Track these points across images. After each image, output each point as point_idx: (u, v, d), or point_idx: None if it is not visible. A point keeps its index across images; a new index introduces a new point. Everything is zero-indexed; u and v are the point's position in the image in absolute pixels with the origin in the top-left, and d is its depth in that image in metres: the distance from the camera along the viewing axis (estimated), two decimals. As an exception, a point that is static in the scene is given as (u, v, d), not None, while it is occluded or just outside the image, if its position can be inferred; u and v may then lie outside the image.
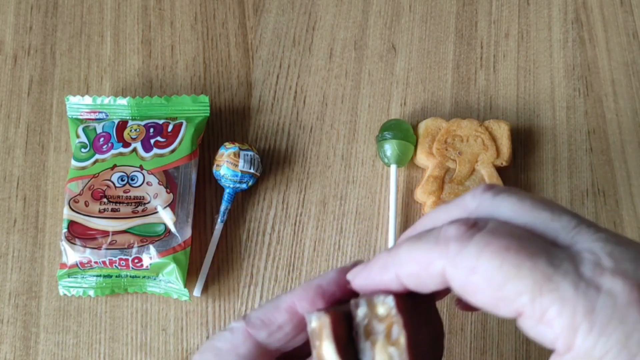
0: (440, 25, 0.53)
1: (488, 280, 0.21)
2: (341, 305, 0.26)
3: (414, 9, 0.53)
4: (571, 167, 0.49)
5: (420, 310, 0.25)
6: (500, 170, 0.47)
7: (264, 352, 0.28)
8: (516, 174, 0.49)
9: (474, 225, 0.22)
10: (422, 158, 0.48)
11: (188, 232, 0.46)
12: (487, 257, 0.21)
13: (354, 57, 0.52)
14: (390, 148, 0.47)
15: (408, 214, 0.48)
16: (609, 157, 0.49)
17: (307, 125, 0.51)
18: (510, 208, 0.23)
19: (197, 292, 0.46)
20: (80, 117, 0.49)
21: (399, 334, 0.23)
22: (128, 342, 0.46)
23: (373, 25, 0.53)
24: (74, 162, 0.47)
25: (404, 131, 0.48)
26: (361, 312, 0.24)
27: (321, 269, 0.47)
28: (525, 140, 0.50)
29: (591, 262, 0.21)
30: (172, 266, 0.44)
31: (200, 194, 0.49)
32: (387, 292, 0.24)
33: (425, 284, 0.24)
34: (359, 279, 0.26)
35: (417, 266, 0.23)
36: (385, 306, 0.24)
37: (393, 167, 0.48)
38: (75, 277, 0.46)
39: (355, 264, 0.27)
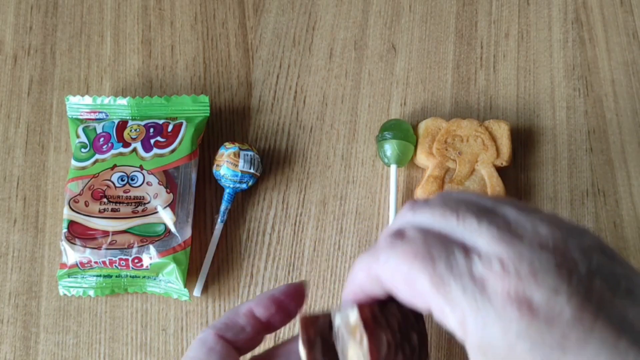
0: (440, 25, 0.53)
1: (403, 282, 0.26)
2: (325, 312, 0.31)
3: (414, 9, 0.53)
4: (571, 167, 0.49)
5: (401, 317, 0.29)
6: (500, 170, 0.47)
7: (234, 352, 0.32)
8: (516, 174, 0.49)
9: (398, 235, 0.26)
10: (422, 158, 0.48)
11: (188, 232, 0.46)
12: (400, 263, 0.25)
13: (354, 57, 0.52)
14: (390, 148, 0.47)
15: (408, 214, 0.48)
16: (609, 157, 0.49)
17: (307, 125, 0.51)
18: (427, 219, 0.27)
19: (197, 292, 0.46)
20: (80, 117, 0.49)
21: (364, 340, 0.28)
22: (128, 342, 0.46)
23: (373, 25, 0.53)
24: (74, 162, 0.47)
25: (404, 131, 0.48)
26: (337, 320, 0.29)
27: (321, 269, 0.47)
28: (525, 140, 0.50)
29: (481, 263, 0.24)
30: (172, 266, 0.44)
31: (200, 194, 0.49)
32: (360, 303, 0.29)
33: (375, 289, 0.28)
34: (345, 292, 0.30)
35: (365, 275, 0.28)
36: (353, 317, 0.28)
37: (393, 167, 0.48)
38: (75, 277, 0.46)
39: (301, 283, 0.34)
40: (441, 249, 0.25)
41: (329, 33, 0.53)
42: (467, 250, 0.25)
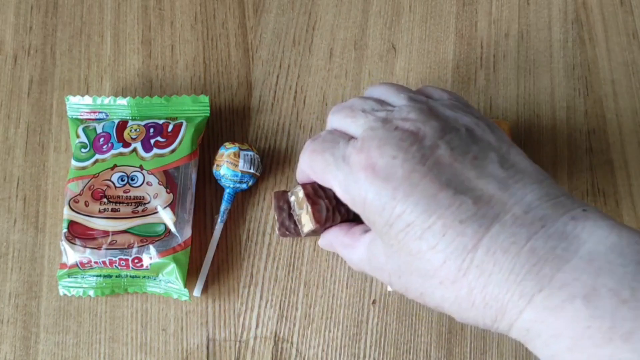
0: (440, 25, 0.53)
1: (310, 170, 0.36)
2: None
3: (414, 9, 0.53)
4: (571, 167, 0.49)
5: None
6: (500, 170, 0.47)
7: None
8: (516, 174, 0.49)
9: (315, 137, 0.36)
10: (422, 158, 0.48)
11: (188, 232, 0.46)
12: (305, 158, 0.36)
13: (354, 57, 0.52)
14: (390, 148, 0.47)
15: (408, 214, 0.48)
16: (609, 157, 0.49)
17: (307, 125, 0.51)
18: (336, 121, 0.36)
19: (197, 292, 0.46)
20: (80, 117, 0.49)
21: (308, 208, 0.40)
22: (128, 342, 0.46)
23: (373, 25, 0.53)
24: (74, 162, 0.47)
25: (403, 131, 0.48)
26: (292, 198, 0.41)
27: (321, 269, 0.47)
28: (525, 140, 0.50)
29: (350, 145, 0.33)
30: (172, 266, 0.44)
31: (200, 194, 0.49)
32: (304, 183, 0.40)
33: (304, 175, 0.38)
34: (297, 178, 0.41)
35: (299, 167, 0.38)
36: (300, 193, 0.40)
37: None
38: (75, 277, 0.46)
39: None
40: (332, 141, 0.35)
41: (329, 33, 0.53)
42: (350, 139, 0.34)
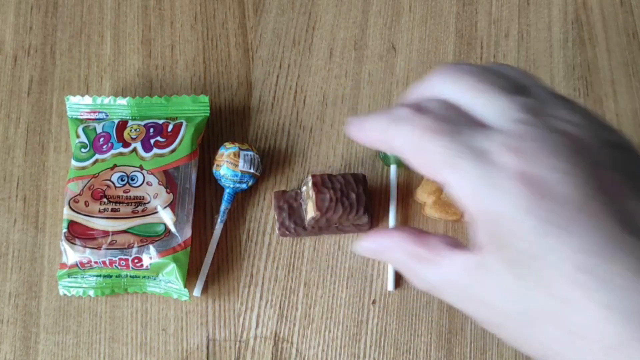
0: (440, 25, 0.53)
1: (415, 152, 0.26)
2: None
3: (414, 9, 0.53)
4: (571, 167, 0.49)
5: (344, 182, 0.45)
6: (500, 170, 0.47)
7: None
8: (516, 174, 0.49)
9: (418, 109, 0.27)
10: (422, 158, 0.48)
11: (188, 232, 0.46)
12: (412, 136, 0.26)
13: (354, 57, 0.52)
14: (390, 148, 0.47)
15: (408, 214, 0.48)
16: (609, 157, 0.49)
17: (307, 125, 0.51)
18: (455, 91, 0.27)
19: (197, 292, 0.46)
20: (80, 117, 0.49)
21: (313, 196, 0.43)
22: (128, 342, 0.46)
23: (373, 25, 0.53)
24: (74, 162, 0.47)
25: (404, 131, 0.48)
26: (303, 188, 0.46)
27: (321, 269, 0.47)
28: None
29: (498, 139, 0.24)
30: (172, 266, 0.44)
31: (200, 194, 0.49)
32: (314, 174, 0.45)
33: (383, 147, 0.29)
34: (352, 132, 0.30)
35: (378, 135, 0.28)
36: (309, 182, 0.44)
37: (393, 167, 0.48)
38: (75, 277, 0.46)
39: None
40: (454, 123, 0.26)
41: (329, 33, 0.53)
42: (484, 125, 0.25)
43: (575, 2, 0.53)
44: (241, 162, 0.46)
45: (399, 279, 0.47)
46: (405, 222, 0.48)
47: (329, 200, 0.44)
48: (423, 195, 0.47)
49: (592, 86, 0.51)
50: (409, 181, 0.49)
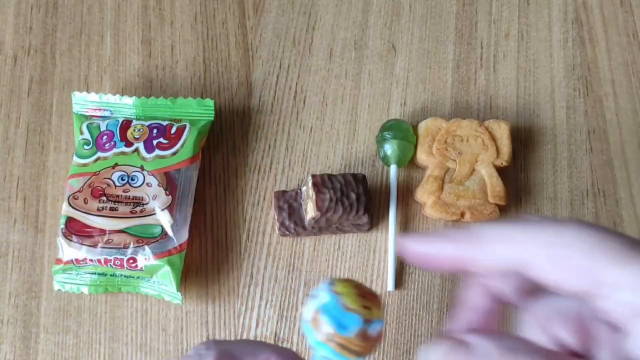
0: (440, 25, 0.53)
1: (583, 260, 0.21)
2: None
3: (414, 9, 0.53)
4: (571, 167, 0.49)
5: (345, 182, 0.45)
6: (500, 170, 0.47)
7: None
8: (516, 174, 0.49)
9: None
10: (422, 158, 0.48)
11: (185, 236, 0.46)
12: (584, 238, 0.22)
13: (354, 57, 0.52)
14: (390, 148, 0.47)
15: (408, 214, 0.48)
16: (609, 157, 0.49)
17: (307, 125, 0.51)
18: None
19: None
20: (86, 113, 0.49)
21: (313, 196, 0.43)
22: (128, 342, 0.46)
23: (373, 25, 0.53)
24: (75, 159, 0.47)
25: (404, 131, 0.48)
26: (303, 189, 0.46)
27: (321, 269, 0.47)
28: (525, 140, 0.50)
29: None
30: (167, 269, 0.44)
31: (200, 198, 0.49)
32: (314, 174, 0.45)
33: (493, 268, 0.24)
34: (416, 247, 0.25)
35: (503, 249, 0.23)
36: (310, 182, 0.44)
37: (393, 167, 0.48)
38: (70, 273, 0.45)
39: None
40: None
41: (329, 33, 0.53)
42: None
43: (575, 2, 0.53)
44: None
45: (399, 279, 0.47)
46: (405, 222, 0.48)
47: (329, 200, 0.44)
48: (423, 195, 0.47)
49: (592, 86, 0.51)
50: (409, 181, 0.49)
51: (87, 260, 0.44)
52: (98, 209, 0.45)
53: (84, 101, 0.49)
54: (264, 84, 0.52)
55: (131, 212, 0.45)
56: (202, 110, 0.49)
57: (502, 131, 0.48)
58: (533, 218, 0.23)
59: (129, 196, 0.45)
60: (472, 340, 0.22)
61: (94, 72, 0.52)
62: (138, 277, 0.45)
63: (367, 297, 0.26)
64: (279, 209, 0.46)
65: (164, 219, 0.45)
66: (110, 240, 0.44)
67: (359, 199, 0.45)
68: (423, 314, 0.46)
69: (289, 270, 0.47)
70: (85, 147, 0.47)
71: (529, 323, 0.25)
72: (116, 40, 0.53)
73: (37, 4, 0.54)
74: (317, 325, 0.26)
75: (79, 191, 0.46)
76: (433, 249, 0.25)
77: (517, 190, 0.49)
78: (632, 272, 0.21)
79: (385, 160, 0.48)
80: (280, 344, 0.46)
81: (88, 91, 0.51)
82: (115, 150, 0.47)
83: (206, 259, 0.48)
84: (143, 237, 0.45)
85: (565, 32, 0.52)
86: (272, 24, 0.53)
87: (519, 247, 0.23)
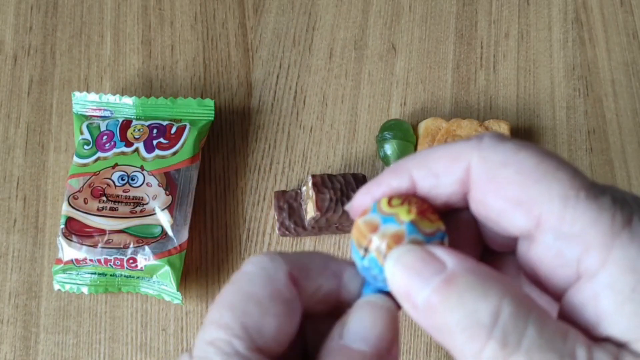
0: (440, 25, 0.53)
1: (521, 174, 0.20)
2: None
3: (414, 9, 0.53)
4: (571, 167, 0.49)
5: (345, 182, 0.45)
6: (500, 170, 0.47)
7: (298, 310, 0.22)
8: (516, 174, 0.49)
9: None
10: (422, 158, 0.48)
11: (185, 236, 0.46)
12: (526, 154, 0.20)
13: (354, 57, 0.52)
14: (390, 148, 0.47)
15: (408, 214, 0.48)
16: (609, 157, 0.49)
17: (307, 125, 0.51)
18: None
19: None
20: (86, 113, 0.49)
21: (313, 196, 0.43)
22: (128, 342, 0.46)
23: (373, 25, 0.53)
24: (75, 159, 0.47)
25: (404, 131, 0.48)
26: (303, 189, 0.46)
27: (321, 269, 0.47)
28: (525, 140, 0.50)
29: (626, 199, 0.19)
30: (166, 269, 0.44)
31: (200, 198, 0.49)
32: (314, 174, 0.44)
33: (442, 183, 0.21)
34: (369, 191, 0.23)
35: (442, 162, 0.21)
36: (309, 182, 0.44)
37: (393, 167, 0.48)
38: (70, 273, 0.45)
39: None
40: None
41: (329, 33, 0.53)
42: None
43: (575, 2, 0.53)
44: None
45: (399, 279, 0.47)
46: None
47: (329, 200, 0.44)
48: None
49: (592, 86, 0.51)
50: (409, 181, 0.49)
51: (87, 260, 0.44)
52: (98, 209, 0.45)
53: (84, 101, 0.49)
54: (264, 84, 0.52)
55: (131, 212, 0.45)
56: (202, 110, 0.49)
57: (502, 131, 0.48)
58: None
59: (129, 196, 0.45)
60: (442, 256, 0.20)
61: (94, 72, 0.52)
62: (138, 277, 0.45)
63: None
64: (279, 209, 0.46)
65: (164, 219, 0.45)
66: (110, 240, 0.44)
67: None
68: (423, 314, 0.46)
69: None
70: (85, 147, 0.47)
71: None
72: (116, 40, 0.53)
73: (37, 4, 0.54)
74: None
75: (79, 191, 0.46)
76: (378, 193, 0.22)
77: (517, 190, 0.49)
78: (574, 212, 0.19)
79: (385, 160, 0.48)
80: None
81: (88, 91, 0.51)
82: (115, 150, 0.47)
83: (206, 259, 0.48)
84: (143, 237, 0.45)
85: (565, 32, 0.52)
86: (272, 24, 0.53)
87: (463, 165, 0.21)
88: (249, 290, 0.21)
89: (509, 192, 0.20)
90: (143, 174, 0.46)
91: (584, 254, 0.19)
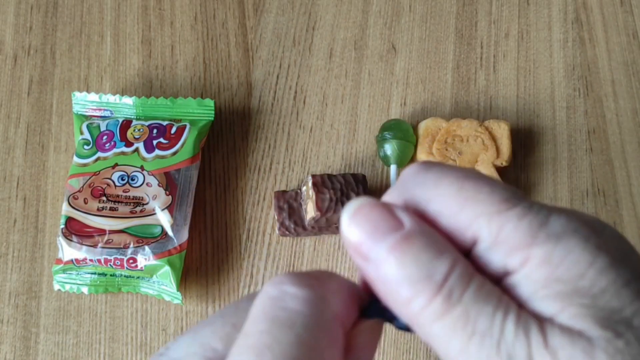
0: (440, 25, 0.53)
1: (447, 206, 0.21)
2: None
3: (414, 9, 0.53)
4: (571, 167, 0.49)
5: (345, 181, 0.45)
6: (500, 170, 0.47)
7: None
8: (516, 174, 0.49)
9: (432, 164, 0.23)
10: (422, 158, 0.48)
11: (185, 236, 0.46)
12: (447, 183, 0.21)
13: (354, 57, 0.52)
14: (390, 148, 0.47)
15: (408, 214, 0.48)
16: (609, 157, 0.49)
17: (307, 125, 0.51)
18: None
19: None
20: (86, 113, 0.49)
21: (313, 196, 0.43)
22: (128, 342, 0.46)
23: (373, 25, 0.53)
24: (75, 159, 0.47)
25: (404, 131, 0.48)
26: (303, 189, 0.46)
27: (321, 269, 0.47)
28: (525, 140, 0.50)
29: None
30: (167, 269, 0.44)
31: (200, 198, 0.49)
32: (314, 174, 0.45)
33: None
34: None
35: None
36: (309, 182, 0.44)
37: (393, 167, 0.48)
38: (70, 273, 0.45)
39: None
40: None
41: (329, 33, 0.53)
42: None
43: (575, 2, 0.53)
44: None
45: (399, 279, 0.47)
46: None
47: (329, 200, 0.44)
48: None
49: (592, 86, 0.51)
50: (409, 181, 0.49)
51: (87, 260, 0.44)
52: (98, 209, 0.45)
53: (84, 101, 0.49)
54: (264, 84, 0.52)
55: (131, 212, 0.45)
56: (202, 110, 0.49)
57: (502, 131, 0.48)
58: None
59: (129, 196, 0.45)
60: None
61: (94, 72, 0.52)
62: (138, 277, 0.45)
63: None
64: (279, 209, 0.46)
65: (164, 219, 0.45)
66: (110, 240, 0.44)
67: None
68: (423, 314, 0.46)
69: (288, 270, 0.47)
70: (85, 147, 0.47)
71: None
72: (116, 40, 0.53)
73: (37, 4, 0.54)
74: None
75: (79, 191, 0.46)
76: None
77: (517, 190, 0.49)
78: (498, 223, 0.21)
79: (385, 160, 0.48)
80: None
81: (88, 91, 0.51)
82: (115, 150, 0.47)
83: (206, 259, 0.48)
84: (143, 237, 0.45)
85: (565, 32, 0.52)
86: (272, 24, 0.53)
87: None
88: (308, 341, 0.20)
89: (444, 221, 0.22)
90: (143, 174, 0.46)
91: (508, 258, 0.21)
